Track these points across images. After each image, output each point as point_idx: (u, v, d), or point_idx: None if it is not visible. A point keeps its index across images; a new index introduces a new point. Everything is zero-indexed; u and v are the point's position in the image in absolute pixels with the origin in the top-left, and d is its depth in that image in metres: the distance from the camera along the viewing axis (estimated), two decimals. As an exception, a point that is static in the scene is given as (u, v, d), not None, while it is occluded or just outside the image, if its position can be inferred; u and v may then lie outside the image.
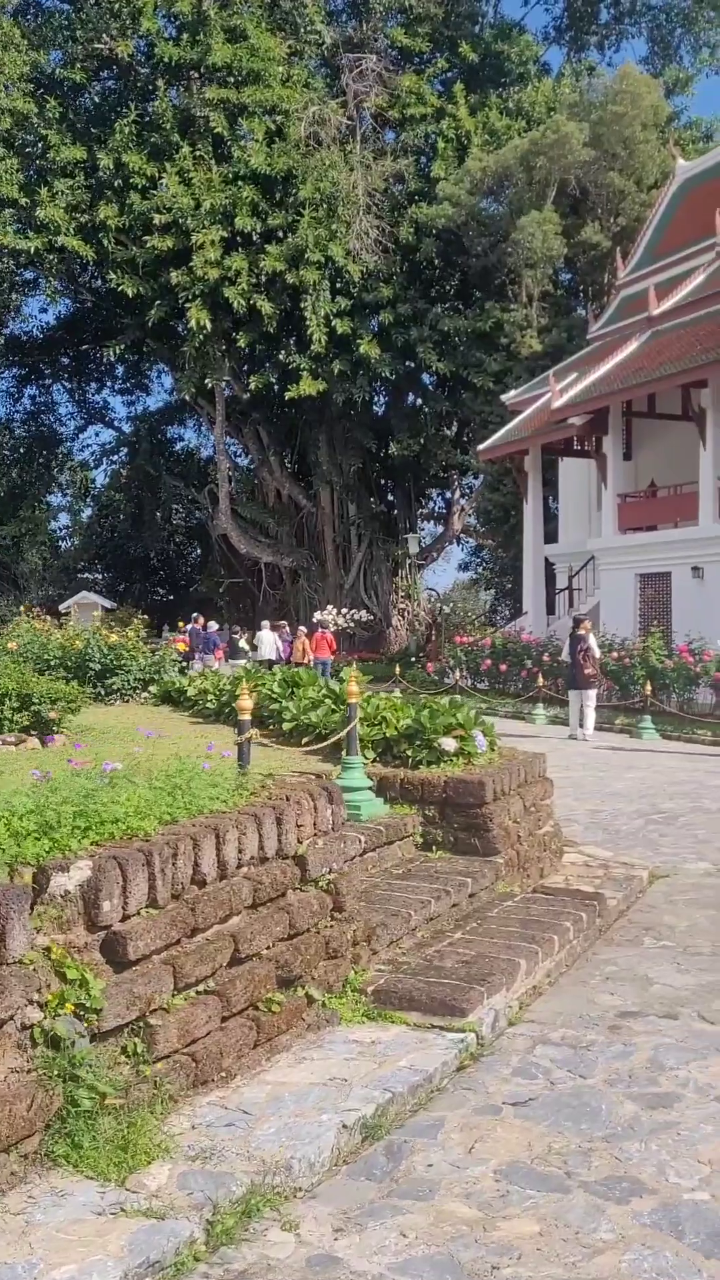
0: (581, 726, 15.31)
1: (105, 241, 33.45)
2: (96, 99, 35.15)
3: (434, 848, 6.31)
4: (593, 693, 15.47)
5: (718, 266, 25.72)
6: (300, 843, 4.42)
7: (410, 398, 38.89)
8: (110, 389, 49.00)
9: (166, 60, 33.27)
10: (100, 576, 52.04)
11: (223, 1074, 3.62)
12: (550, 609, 30.01)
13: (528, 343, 33.13)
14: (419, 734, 6.73)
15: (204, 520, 45.44)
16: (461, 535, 45.10)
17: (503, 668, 20.98)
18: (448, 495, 44.39)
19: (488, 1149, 3.33)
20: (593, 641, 15.67)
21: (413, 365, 36.49)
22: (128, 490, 49.02)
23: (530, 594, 27.33)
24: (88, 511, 53.94)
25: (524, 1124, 3.52)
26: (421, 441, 37.19)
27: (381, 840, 5.91)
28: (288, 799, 4.43)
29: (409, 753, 6.72)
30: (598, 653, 15.95)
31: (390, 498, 43.72)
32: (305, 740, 7.24)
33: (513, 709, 19.01)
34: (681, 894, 6.58)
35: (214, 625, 25.06)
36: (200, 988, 3.66)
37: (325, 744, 6.87)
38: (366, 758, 6.84)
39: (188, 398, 38.00)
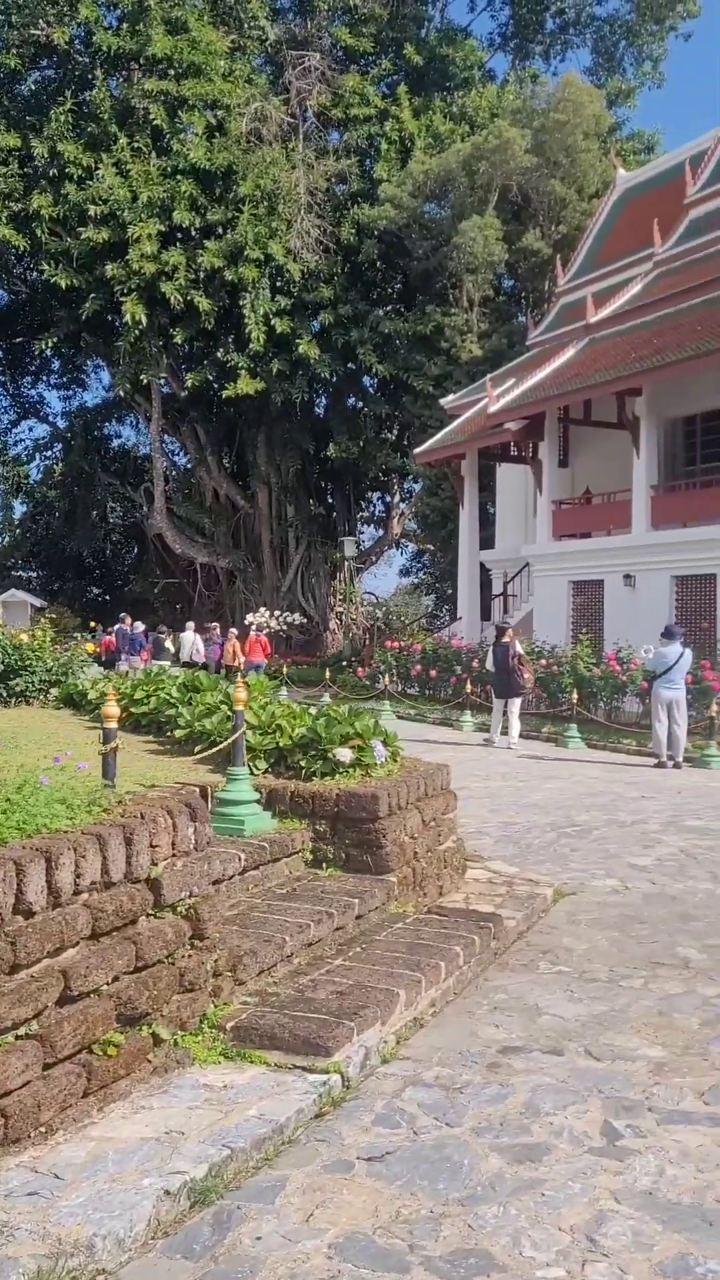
0: (505, 734, 15.10)
1: (39, 232, 32.68)
2: (33, 86, 34.29)
3: (325, 865, 5.96)
4: (519, 701, 15.31)
5: (654, 276, 25.81)
6: (155, 864, 4.03)
7: (350, 400, 38.59)
8: (46, 383, 48.05)
9: (105, 49, 32.64)
10: (34, 574, 50.95)
11: (41, 1129, 3.22)
12: (486, 615, 29.87)
13: (468, 347, 33.04)
14: (314, 743, 6.38)
15: (140, 519, 44.74)
16: (401, 539, 44.92)
17: (433, 673, 20.73)
18: (387, 499, 44.20)
19: (329, 1216, 2.98)
20: (519, 648, 15.56)
21: (353, 367, 36.24)
22: (62, 487, 48.05)
23: (465, 600, 27.15)
24: (20, 508, 52.79)
25: (375, 1184, 3.17)
26: (361, 444, 36.91)
27: (265, 857, 5.54)
28: (142, 816, 4.04)
29: (303, 763, 6.36)
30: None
31: (330, 500, 43.40)
32: (199, 749, 6.85)
33: (442, 715, 18.76)
34: (585, 913, 6.30)
35: (140, 626, 24.45)
36: (18, 1032, 3.26)
37: (217, 752, 6.49)
38: (258, 768, 6.47)
39: (123, 394, 37.26)
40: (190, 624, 24.69)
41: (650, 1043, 4.35)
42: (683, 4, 37.74)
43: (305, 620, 40.00)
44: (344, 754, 6.21)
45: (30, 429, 47.83)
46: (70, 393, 48.41)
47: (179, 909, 4.09)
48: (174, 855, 4.16)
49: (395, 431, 39.94)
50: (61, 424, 46.74)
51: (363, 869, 5.85)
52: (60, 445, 46.97)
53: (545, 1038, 4.40)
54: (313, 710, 7.01)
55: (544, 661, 17.42)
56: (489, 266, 32.95)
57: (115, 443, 48.37)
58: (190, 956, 4.06)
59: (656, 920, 6.14)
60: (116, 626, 24.92)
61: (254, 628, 26.70)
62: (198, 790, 5.85)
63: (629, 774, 12.39)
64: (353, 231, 34.50)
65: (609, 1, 40.40)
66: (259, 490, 40.40)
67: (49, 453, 47.40)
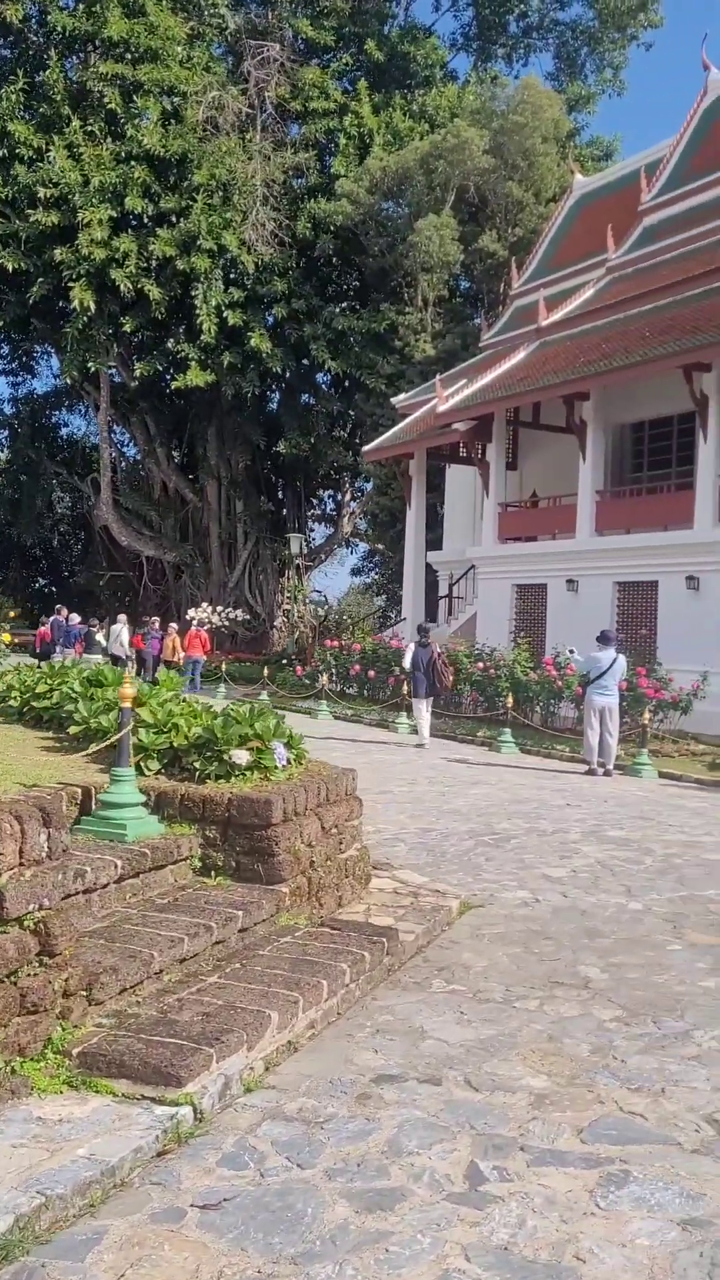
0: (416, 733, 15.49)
1: (-14, 213, 31.96)
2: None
3: (214, 874, 5.63)
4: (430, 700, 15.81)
5: (607, 282, 25.77)
6: (-1, 874, 3.69)
7: (303, 396, 38.23)
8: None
9: (60, 29, 32.02)
10: None
11: None
12: (432, 616, 29.68)
13: (421, 347, 32.85)
14: (210, 744, 6.05)
15: (87, 510, 44.05)
16: (351, 538, 44.65)
17: (371, 674, 20.45)
18: (338, 497, 43.91)
19: (141, 1277, 2.66)
20: (438, 649, 15.85)
21: (307, 363, 35.90)
22: (8, 475, 47.14)
23: (409, 600, 26.92)
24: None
25: (204, 1236, 2.86)
26: (312, 441, 36.58)
27: (146, 865, 5.20)
28: (-16, 821, 3.69)
29: (198, 765, 6.03)
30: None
31: (281, 496, 43.02)
32: (93, 746, 6.49)
33: (379, 716, 18.49)
34: (491, 927, 6.04)
35: (75, 618, 23.92)
36: None
37: (110, 749, 6.13)
38: (150, 769, 6.13)
39: (70, 381, 36.60)
40: (122, 616, 24.19)
41: (535, 1071, 4.08)
42: (644, 13, 37.86)
43: (250, 617, 39.62)
44: (240, 756, 5.89)
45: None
46: (19, 379, 47.55)
47: (25, 923, 3.75)
48: (21, 864, 3.81)
49: (347, 429, 39.68)
50: (9, 410, 45.83)
51: (253, 878, 5.54)
52: (7, 432, 46.10)
53: (425, 1065, 4.12)
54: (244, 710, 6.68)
55: (481, 665, 17.22)
56: (444, 266, 32.78)
57: (64, 431, 47.66)
58: (36, 975, 3.72)
59: (563, 935, 5.90)
60: (52, 618, 24.36)
61: (195, 623, 26.26)
62: (80, 791, 5.51)
63: (558, 781, 12.19)
64: (309, 226, 34.17)
65: (572, 7, 40.06)
66: (208, 484, 39.94)
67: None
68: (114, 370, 37.61)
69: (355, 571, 51.69)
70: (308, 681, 21.63)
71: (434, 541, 30.79)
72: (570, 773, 13.01)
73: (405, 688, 16.55)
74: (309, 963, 4.79)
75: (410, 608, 26.82)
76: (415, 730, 16.15)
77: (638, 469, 23.99)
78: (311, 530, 46.44)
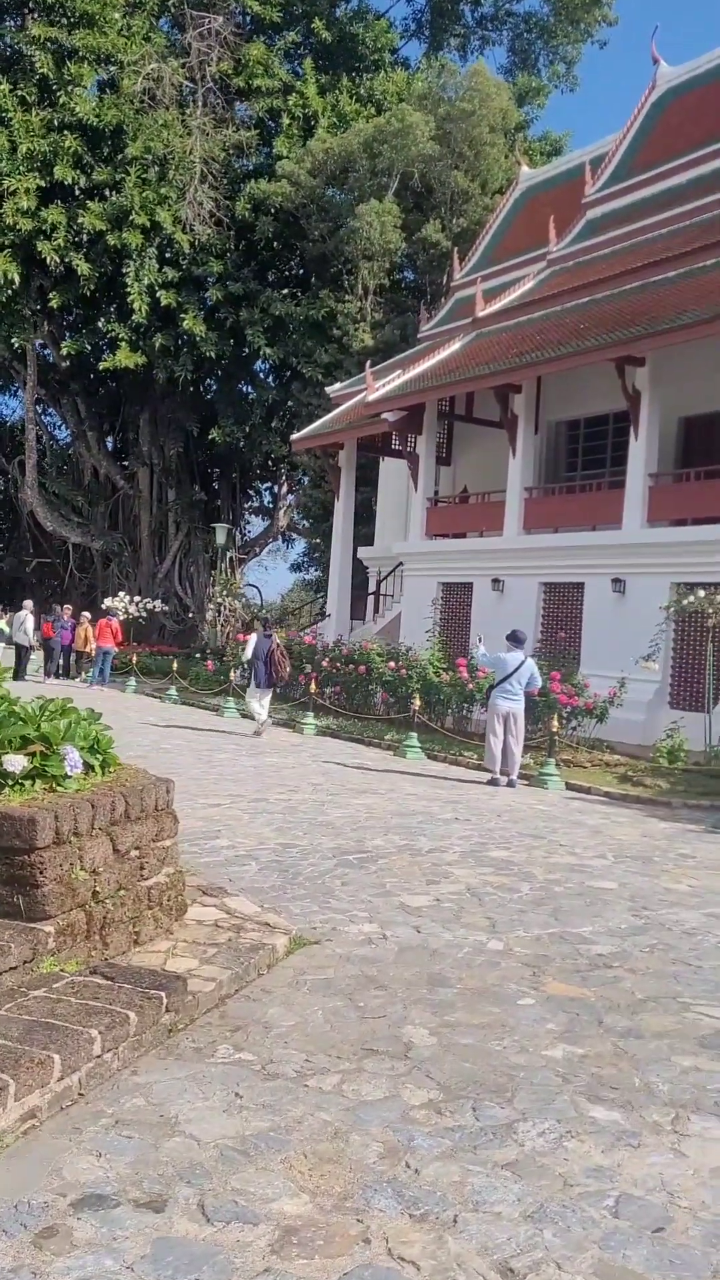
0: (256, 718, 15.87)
1: None
2: None
3: (-31, 905, 4.60)
4: (271, 691, 16.12)
5: (548, 274, 25.07)
6: None
7: (239, 383, 37.10)
8: None
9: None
10: None
11: None
12: (360, 614, 28.81)
13: (360, 336, 31.93)
14: (-18, 747, 5.02)
15: (14, 494, 42.55)
16: (288, 532, 43.62)
17: (282, 671, 19.43)
18: (275, 489, 42.85)
19: None
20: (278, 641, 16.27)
21: (245, 350, 34.80)
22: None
23: (335, 596, 25.99)
24: None
25: None
26: (247, 430, 35.46)
27: None
28: None
29: (-34, 771, 4.99)
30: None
31: (216, 487, 41.82)
32: None
33: (286, 716, 17.50)
34: (318, 971, 5.09)
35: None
36: None
37: None
38: None
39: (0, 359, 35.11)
40: (27, 603, 22.95)
41: (298, 1188, 3.13)
42: (599, 8, 37.29)
43: (179, 609, 38.45)
44: (13, 762, 4.88)
45: None
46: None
47: None
48: None
49: (285, 420, 38.60)
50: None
51: (12, 913, 4.53)
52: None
53: (155, 1178, 3.15)
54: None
55: (393, 664, 16.32)
56: (386, 254, 31.92)
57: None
58: None
59: (399, 984, 4.96)
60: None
61: (109, 613, 25.12)
62: None
63: (456, 791, 11.30)
64: (248, 207, 33.11)
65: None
66: (139, 471, 38.70)
67: None
68: (45, 349, 36.25)
69: (295, 567, 50.65)
70: (222, 677, 20.58)
71: (367, 537, 29.94)
72: (474, 782, 12.14)
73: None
74: (49, 1027, 3.80)
75: (335, 604, 25.89)
76: (328, 733, 15.28)
77: (573, 468, 23.29)
78: (247, 523, 45.37)
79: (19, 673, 22.72)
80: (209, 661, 22.10)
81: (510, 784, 11.88)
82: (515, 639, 12.31)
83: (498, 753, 11.95)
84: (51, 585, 43.64)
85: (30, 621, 22.13)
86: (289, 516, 42.07)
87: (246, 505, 44.43)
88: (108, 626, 22.40)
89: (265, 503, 44.31)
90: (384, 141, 31.34)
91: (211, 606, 37.33)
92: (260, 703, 15.85)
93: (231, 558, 39.42)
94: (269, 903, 6.21)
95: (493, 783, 11.89)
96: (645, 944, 5.80)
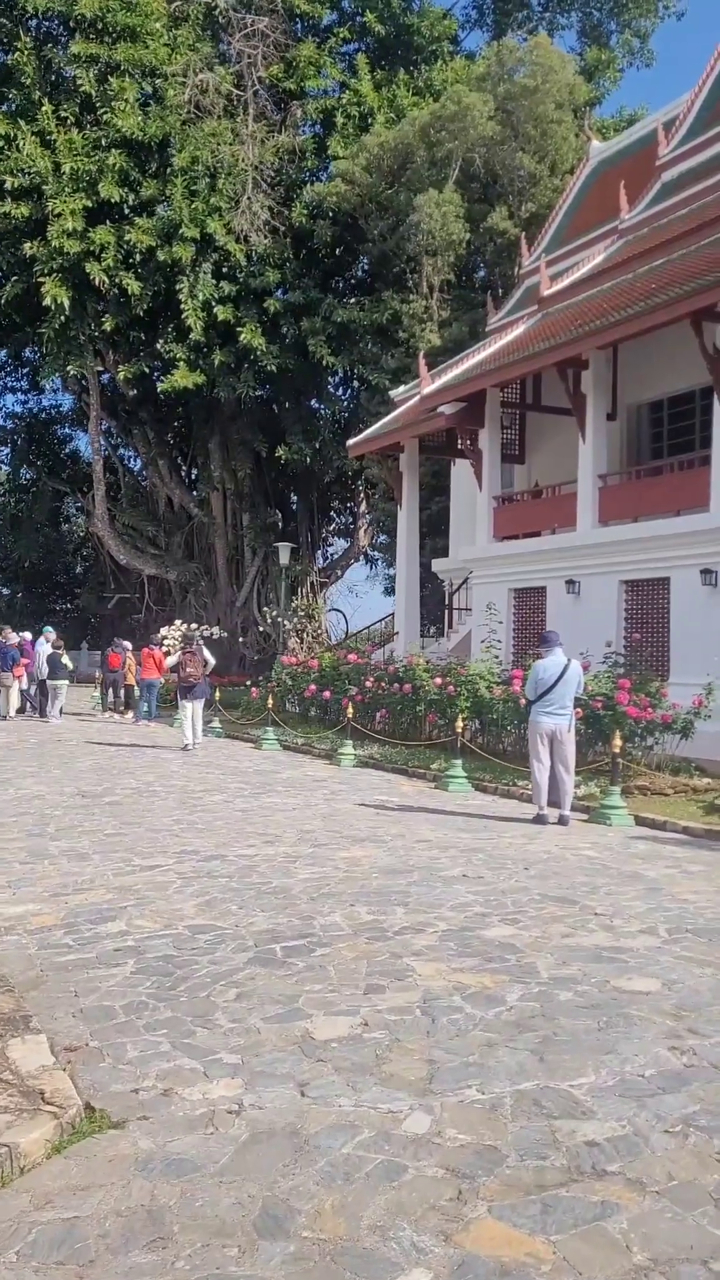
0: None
1: (-50, 209, 29.76)
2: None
3: None
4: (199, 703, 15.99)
5: (619, 245, 22.62)
6: None
7: (306, 398, 35.39)
8: (3, 385, 45.19)
9: (29, 9, 29.82)
10: (4, 592, 48.00)
11: None
12: (440, 630, 26.61)
13: (427, 337, 29.85)
14: None
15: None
16: (369, 551, 41.67)
17: (326, 694, 17.31)
18: (353, 507, 40.95)
19: None
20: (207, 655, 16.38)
21: (309, 362, 33.09)
22: (10, 494, 45.12)
23: (402, 612, 23.77)
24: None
25: None
26: (316, 446, 33.66)
27: None
28: None
29: None
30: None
31: (293, 508, 40.15)
32: None
33: (331, 745, 15.33)
34: (72, 1199, 2.96)
35: (14, 638, 21.18)
36: None
37: None
38: None
39: (66, 387, 34.26)
40: (47, 633, 21.35)
41: None
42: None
43: (256, 637, 36.83)
44: None
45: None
46: (27, 397, 45.59)
47: None
48: None
49: (356, 432, 36.71)
50: (9, 426, 43.77)
51: None
52: (8, 449, 43.98)
53: None
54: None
55: (438, 680, 14.03)
56: (449, 247, 29.81)
57: (69, 447, 45.45)
58: None
59: (204, 1229, 2.79)
60: (-4, 639, 21.63)
61: (163, 642, 23.46)
62: None
63: (487, 834, 8.95)
64: (304, 213, 31.47)
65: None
66: (212, 497, 37.30)
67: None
68: (104, 374, 35.26)
69: (388, 591, 48.55)
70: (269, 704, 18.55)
71: (443, 549, 27.78)
72: (519, 819, 9.76)
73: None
74: None
75: (403, 620, 23.67)
76: (369, 763, 13.25)
77: (658, 455, 20.64)
78: (329, 545, 43.61)
79: (40, 709, 21.21)
80: (254, 689, 20.11)
81: (561, 820, 9.47)
82: (548, 641, 9.91)
83: (543, 783, 9.56)
84: (132, 620, 42.61)
85: (45, 652, 20.53)
86: (370, 535, 40.11)
87: (328, 526, 42.65)
88: (150, 657, 20.67)
89: (345, 522, 42.43)
90: (441, 128, 29.33)
91: (292, 633, 35.58)
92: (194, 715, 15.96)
93: (312, 581, 37.68)
94: (99, 1037, 4.07)
95: (539, 820, 9.49)
96: (675, 1119, 3.45)
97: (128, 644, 22.92)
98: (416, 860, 7.63)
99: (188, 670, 15.73)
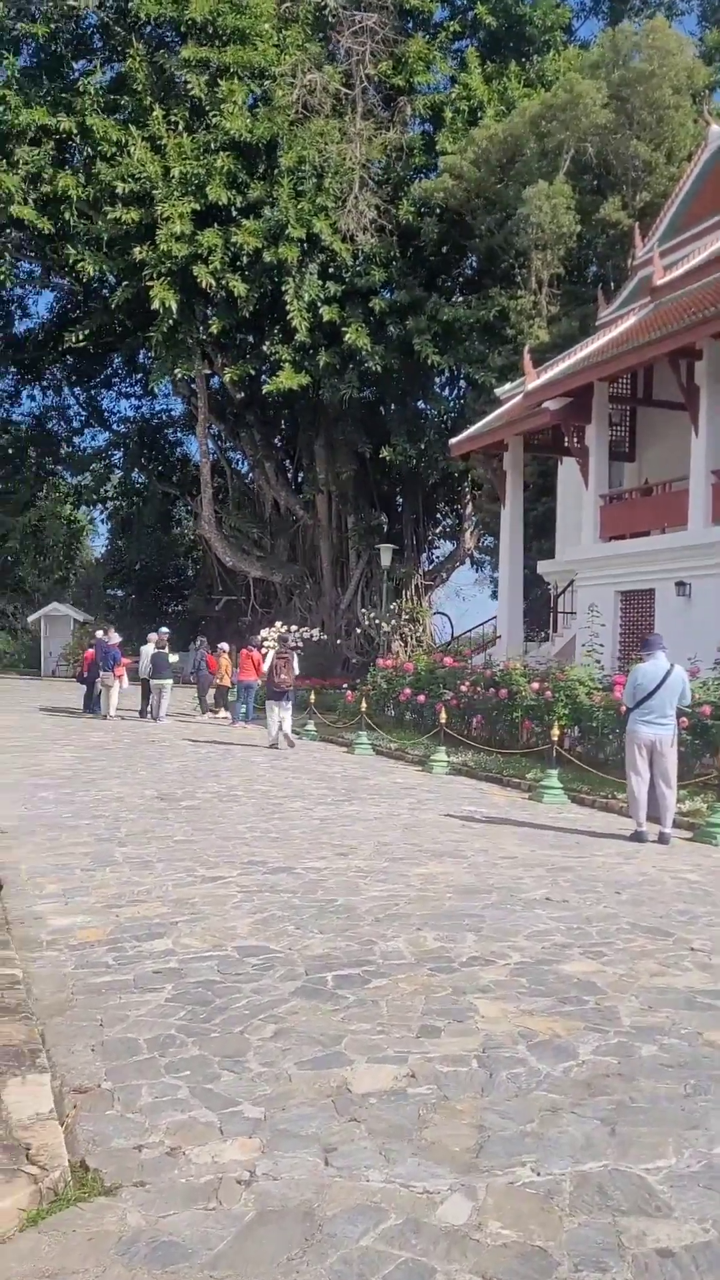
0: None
1: (67, 214, 30.24)
2: (61, 58, 32.01)
3: None
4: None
5: (739, 230, 21.48)
6: None
7: (411, 398, 34.87)
8: (117, 391, 46.09)
9: (142, 16, 30.11)
10: (118, 594, 48.96)
11: None
12: (545, 634, 25.82)
13: (535, 333, 28.99)
14: None
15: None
16: (475, 553, 40.92)
17: (421, 698, 16.75)
18: (458, 509, 40.25)
19: None
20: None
21: (413, 360, 32.59)
22: (123, 498, 45.88)
23: (505, 615, 23.08)
24: (103, 526, 51.22)
25: None
26: (422, 446, 33.12)
27: None
28: None
29: None
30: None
31: (399, 510, 39.69)
32: None
33: (424, 750, 14.79)
34: None
35: (116, 638, 21.25)
36: None
37: None
38: None
39: (156, 389, 34.59)
40: (152, 636, 21.29)
41: None
42: None
43: (360, 640, 36.46)
44: None
45: (93, 436, 45.69)
46: (140, 403, 46.32)
47: None
48: None
49: (462, 432, 36.05)
50: (121, 430, 44.46)
51: None
52: (121, 453, 44.66)
53: None
54: None
55: (535, 685, 13.35)
56: (559, 240, 28.90)
57: (179, 451, 45.94)
58: None
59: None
60: (97, 639, 21.77)
61: (262, 644, 23.25)
62: None
63: (579, 851, 8.30)
64: (411, 210, 30.99)
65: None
66: (317, 499, 37.12)
67: (110, 460, 45.01)
68: (212, 377, 35.41)
69: (496, 594, 47.71)
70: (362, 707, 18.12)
71: (551, 551, 26.95)
72: (617, 836, 9.06)
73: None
74: None
75: (506, 623, 22.96)
76: (461, 770, 12.72)
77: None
78: (436, 547, 43.00)
79: (142, 710, 21.20)
80: (349, 692, 19.68)
81: (661, 839, 8.74)
82: (650, 645, 9.16)
83: (641, 797, 8.84)
84: (240, 622, 42.78)
85: (149, 653, 20.47)
86: (476, 538, 39.37)
87: (434, 529, 42.07)
88: (249, 658, 20.43)
89: (450, 523, 41.77)
90: (552, 118, 28.48)
91: (396, 636, 35.10)
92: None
93: (417, 584, 37.19)
94: (114, 1077, 3.66)
95: (636, 838, 8.78)
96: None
97: (224, 645, 22.80)
98: (497, 879, 7.04)
99: (281, 676, 15.74)
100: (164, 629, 22.27)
